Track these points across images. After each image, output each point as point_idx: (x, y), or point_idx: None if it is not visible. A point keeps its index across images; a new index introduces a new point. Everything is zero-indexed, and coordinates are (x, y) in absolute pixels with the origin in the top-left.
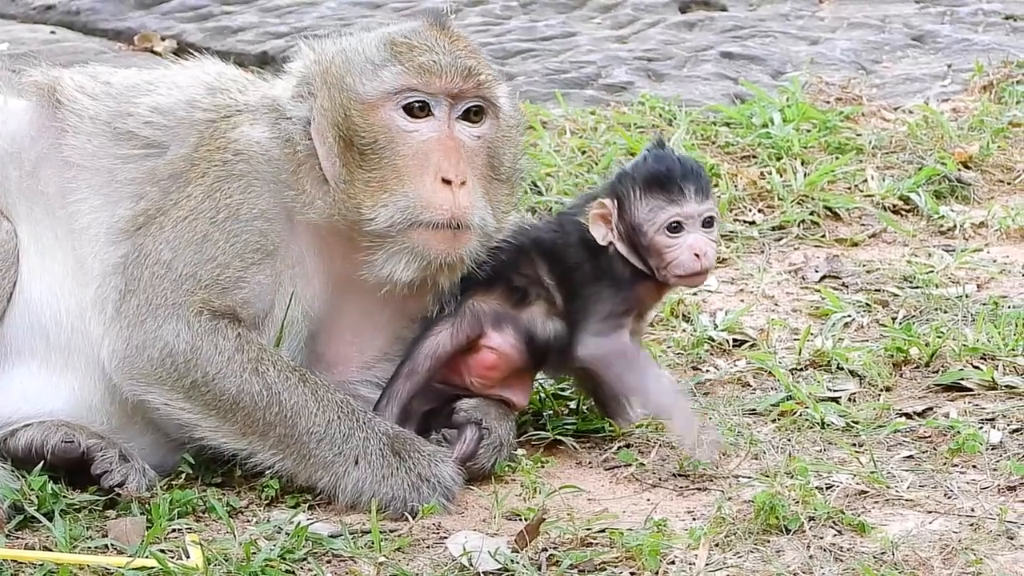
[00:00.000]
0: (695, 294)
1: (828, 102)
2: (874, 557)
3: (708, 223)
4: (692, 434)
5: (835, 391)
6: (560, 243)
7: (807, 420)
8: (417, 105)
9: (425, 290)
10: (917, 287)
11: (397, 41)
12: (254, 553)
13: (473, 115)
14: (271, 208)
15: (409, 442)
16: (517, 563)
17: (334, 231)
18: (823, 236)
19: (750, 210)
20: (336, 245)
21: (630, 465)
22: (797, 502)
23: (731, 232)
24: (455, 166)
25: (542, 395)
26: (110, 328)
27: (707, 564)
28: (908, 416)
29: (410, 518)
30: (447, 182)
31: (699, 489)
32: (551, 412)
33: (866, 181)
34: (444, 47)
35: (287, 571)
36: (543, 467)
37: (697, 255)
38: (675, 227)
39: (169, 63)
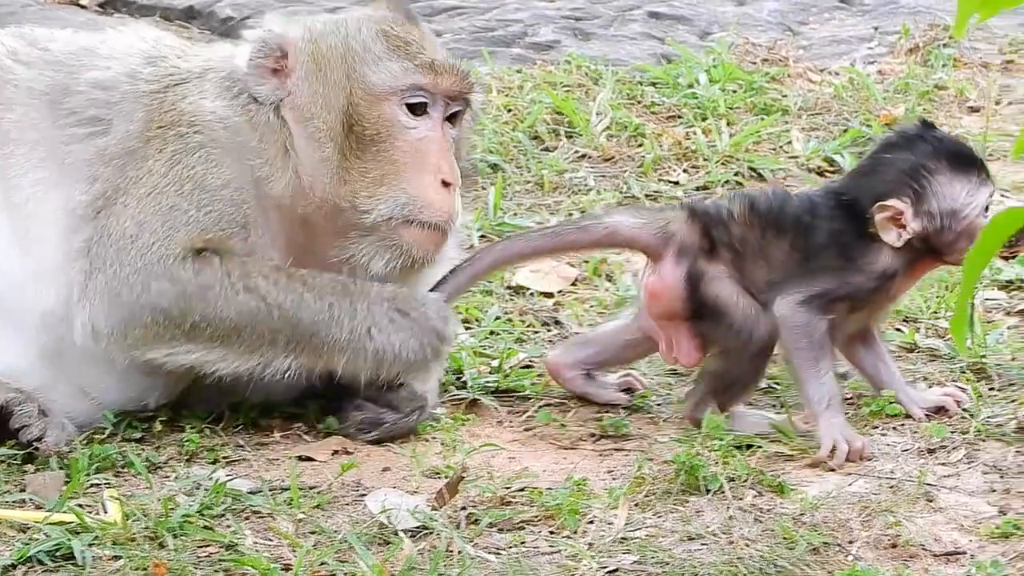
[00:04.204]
0: (618, 253)
1: (754, 63)
2: (793, 518)
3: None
4: (829, 446)
5: None
6: (807, 221)
7: None
8: (420, 103)
9: (386, 279)
10: None
11: (390, 34)
12: (172, 509)
13: (454, 116)
14: (237, 178)
15: (408, 298)
16: (436, 521)
17: (299, 210)
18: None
19: (675, 170)
20: (301, 223)
21: (550, 425)
22: (717, 463)
23: (655, 192)
24: (453, 169)
25: (463, 353)
26: (81, 311)
27: (626, 523)
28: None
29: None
30: (446, 184)
31: (618, 449)
32: (473, 371)
33: (791, 142)
34: (436, 46)
35: (205, 527)
36: (463, 426)
37: None
38: (987, 207)
39: (104, 26)
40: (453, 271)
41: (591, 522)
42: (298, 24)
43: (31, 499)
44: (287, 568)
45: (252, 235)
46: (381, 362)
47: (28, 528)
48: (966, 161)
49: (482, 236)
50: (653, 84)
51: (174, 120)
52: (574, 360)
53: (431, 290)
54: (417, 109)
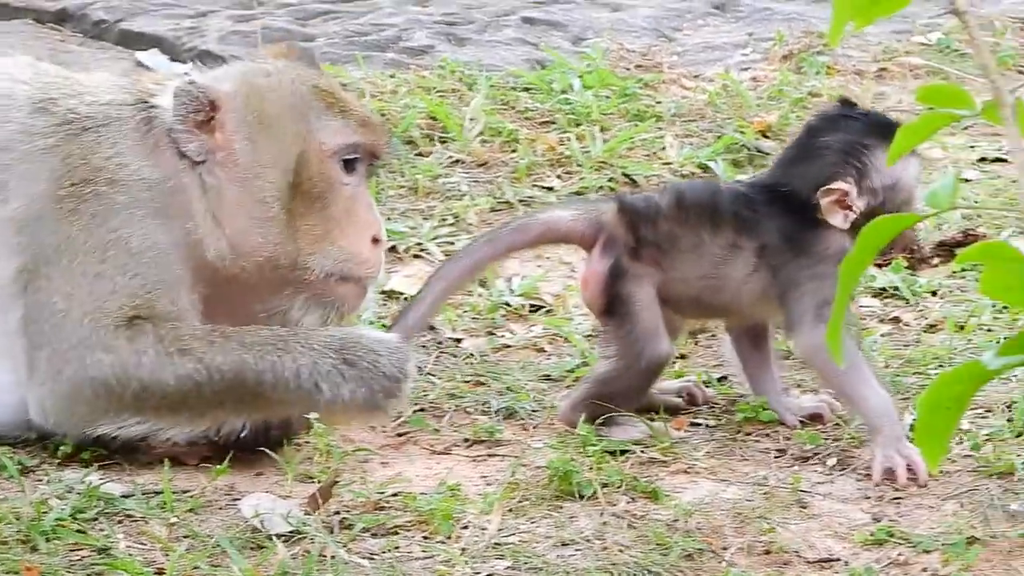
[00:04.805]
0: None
1: (628, 69)
2: (667, 524)
3: None
4: (890, 459)
5: None
6: (747, 215)
7: None
8: (352, 159)
9: None
10: None
11: (323, 89)
12: (45, 512)
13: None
14: (163, 239)
15: (357, 345)
16: (309, 526)
17: (234, 269)
18: None
19: (549, 176)
20: (233, 280)
21: (423, 430)
22: (591, 468)
23: (529, 198)
24: (381, 225)
25: None
26: (32, 390)
27: (500, 529)
28: (706, 383)
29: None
30: (376, 241)
31: (492, 455)
32: None
33: (664, 149)
34: (360, 102)
35: (78, 531)
36: (336, 430)
37: None
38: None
39: None
40: (408, 307)
41: (465, 527)
42: (226, 77)
43: None
44: (160, 572)
45: (181, 295)
46: (333, 412)
47: None
48: (896, 132)
49: None
50: (527, 90)
51: (87, 177)
52: None
53: (390, 327)
54: (349, 166)
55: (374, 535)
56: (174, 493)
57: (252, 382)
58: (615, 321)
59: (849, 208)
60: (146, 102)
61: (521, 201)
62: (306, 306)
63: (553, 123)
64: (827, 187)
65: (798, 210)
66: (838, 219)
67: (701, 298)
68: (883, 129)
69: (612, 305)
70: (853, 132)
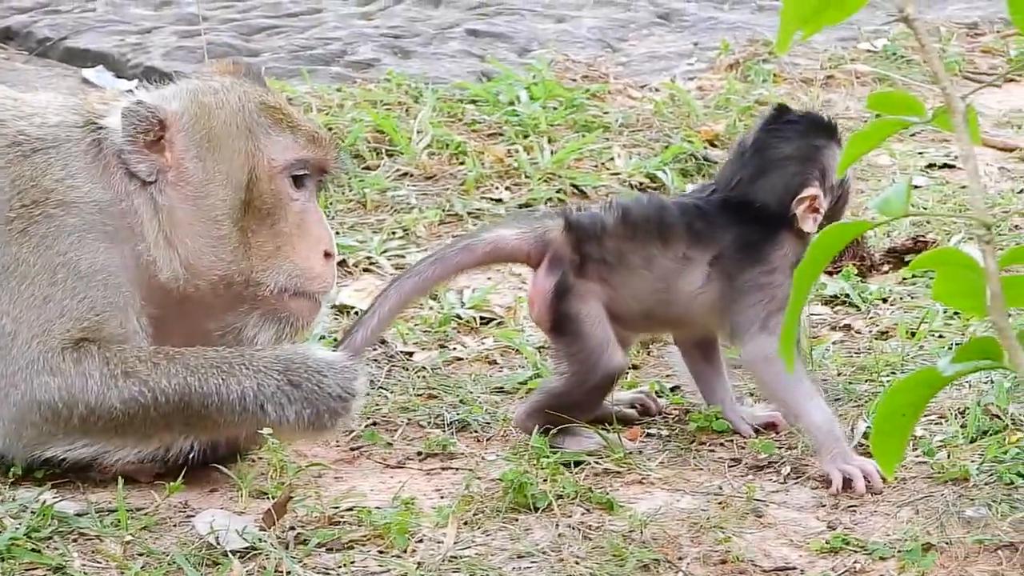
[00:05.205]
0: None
1: (574, 80)
2: (623, 535)
3: None
4: (844, 470)
5: None
6: (699, 228)
7: None
8: (301, 175)
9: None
10: None
11: (271, 105)
12: None
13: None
14: (113, 260)
15: (302, 366)
16: (264, 542)
17: (187, 289)
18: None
19: (497, 188)
20: (186, 300)
21: (376, 444)
22: (545, 480)
23: (478, 210)
24: (332, 239)
25: None
26: None
27: (456, 542)
28: (659, 394)
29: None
30: (328, 255)
31: (446, 468)
32: None
33: (613, 159)
34: (308, 117)
35: (33, 550)
36: (290, 445)
37: None
38: None
39: None
40: (355, 326)
41: (420, 541)
42: (174, 95)
43: None
44: None
45: (130, 318)
46: (280, 432)
47: None
48: (833, 128)
49: None
50: (473, 102)
51: (38, 199)
52: None
53: (337, 346)
54: (299, 181)
55: (329, 550)
56: (128, 511)
57: (197, 404)
58: (565, 340)
59: (817, 211)
60: (94, 123)
61: (470, 213)
62: (260, 323)
63: (501, 135)
64: (800, 196)
65: (754, 220)
66: (809, 223)
67: (652, 312)
68: (826, 127)
69: (560, 323)
70: (804, 137)
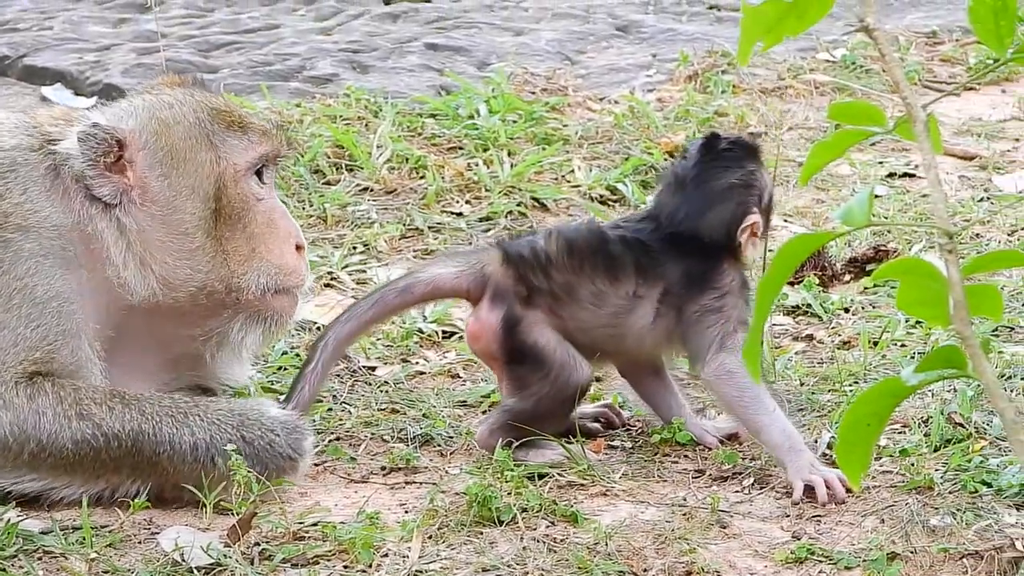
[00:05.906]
0: None
1: (534, 93)
2: (588, 548)
3: None
4: (807, 480)
5: None
6: (645, 263)
7: None
8: (261, 171)
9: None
10: None
11: (222, 111)
12: None
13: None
14: (68, 286)
15: (254, 422)
16: (230, 558)
17: (164, 305)
18: (531, 227)
19: (457, 201)
20: (160, 315)
21: (340, 458)
22: (509, 493)
23: (439, 224)
24: (299, 231)
25: (252, 389)
26: None
27: (420, 556)
28: (621, 406)
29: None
30: (299, 248)
31: (410, 482)
32: None
33: (573, 172)
34: (253, 112)
35: None
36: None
37: None
38: None
39: None
40: (298, 379)
41: (385, 555)
42: (129, 113)
43: None
44: None
45: (83, 346)
46: (229, 483)
47: None
48: (758, 148)
49: None
50: (433, 116)
51: None
52: None
53: (285, 400)
54: (260, 175)
55: (294, 565)
56: (93, 528)
57: (149, 451)
58: (526, 367)
59: (756, 235)
60: (49, 147)
61: (431, 227)
62: (246, 326)
63: (461, 148)
64: (743, 225)
65: (698, 252)
66: (751, 250)
67: (603, 345)
68: (752, 149)
69: (518, 354)
70: (740, 164)
